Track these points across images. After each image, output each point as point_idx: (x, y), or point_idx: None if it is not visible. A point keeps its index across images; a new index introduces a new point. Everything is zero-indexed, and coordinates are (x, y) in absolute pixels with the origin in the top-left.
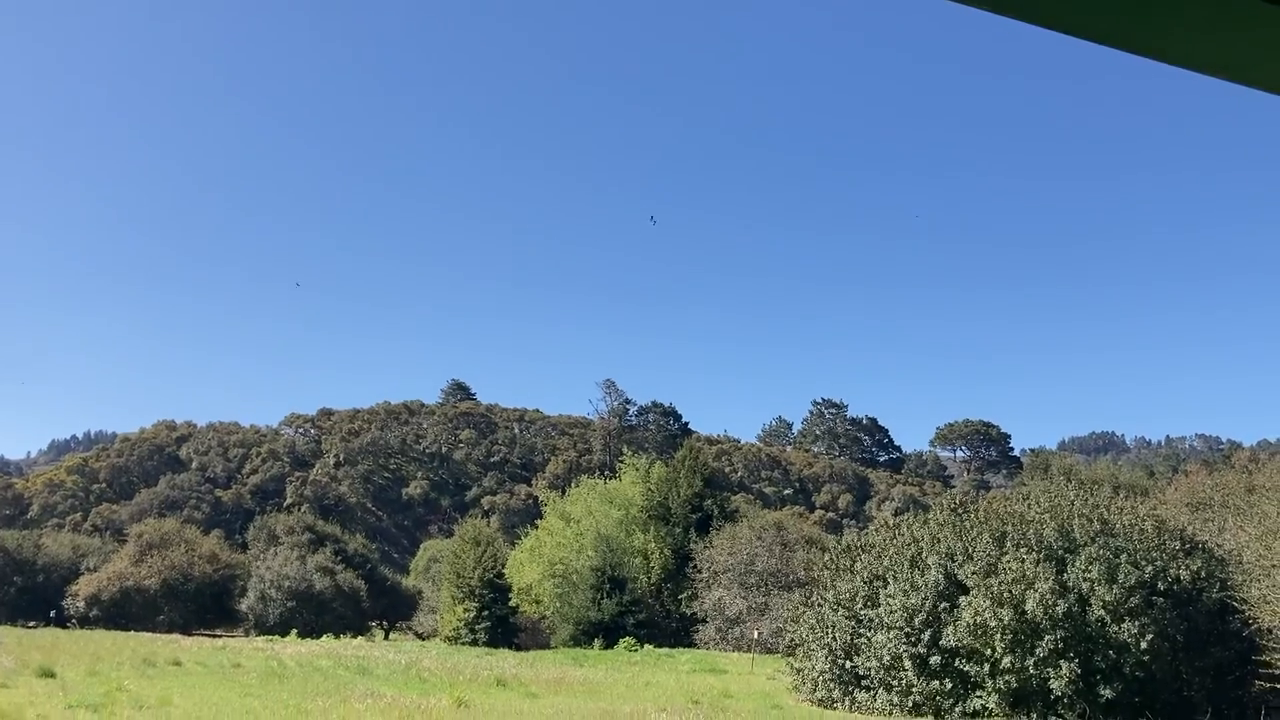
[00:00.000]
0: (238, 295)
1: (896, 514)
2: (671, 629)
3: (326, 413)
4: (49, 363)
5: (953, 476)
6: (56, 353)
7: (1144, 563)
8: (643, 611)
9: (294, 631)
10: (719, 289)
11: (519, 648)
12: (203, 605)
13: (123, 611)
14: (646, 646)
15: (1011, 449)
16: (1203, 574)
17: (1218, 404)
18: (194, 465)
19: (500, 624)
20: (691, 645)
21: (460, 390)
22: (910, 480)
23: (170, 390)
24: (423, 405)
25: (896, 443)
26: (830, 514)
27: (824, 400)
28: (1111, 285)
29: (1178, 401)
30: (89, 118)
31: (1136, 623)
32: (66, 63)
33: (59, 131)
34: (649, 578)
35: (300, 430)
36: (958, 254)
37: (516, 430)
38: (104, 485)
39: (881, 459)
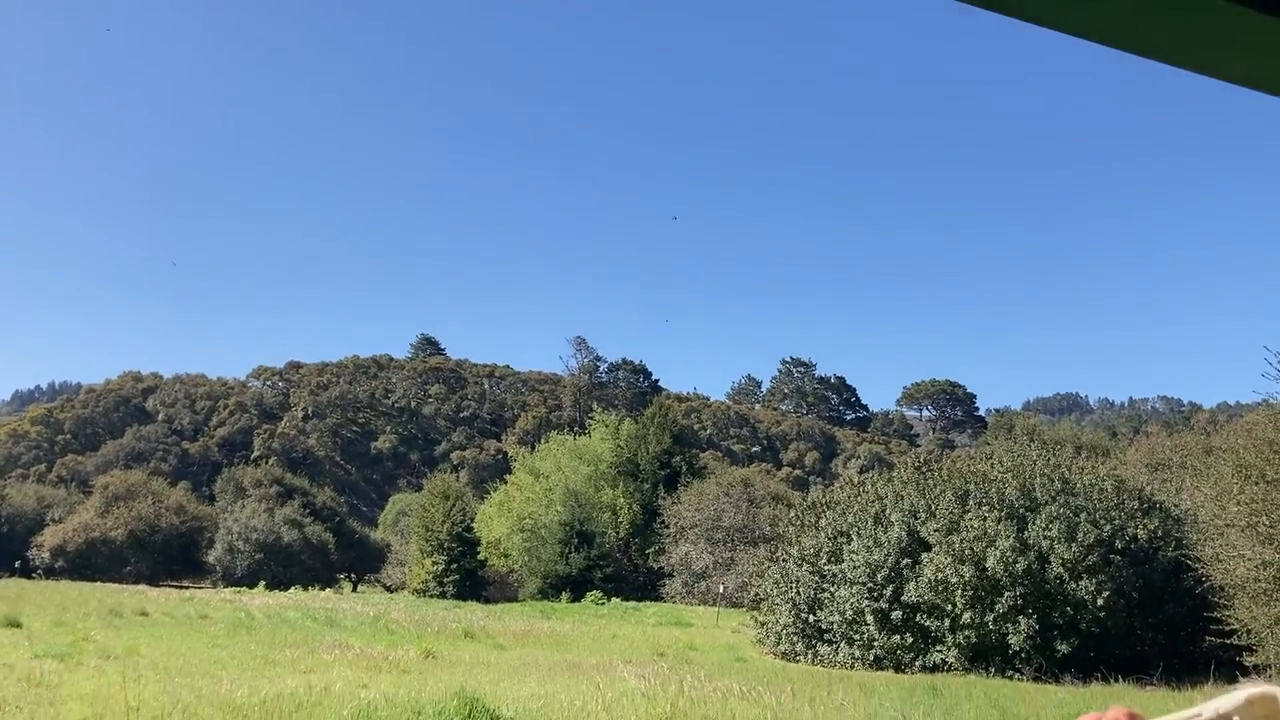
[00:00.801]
0: (204, 245)
1: (862, 472)
2: (639, 583)
3: (295, 365)
4: (11, 312)
5: (918, 435)
6: (18, 302)
7: (1103, 521)
8: (610, 566)
9: (262, 583)
10: (689, 248)
11: (487, 601)
12: (170, 557)
13: (89, 563)
14: (614, 600)
15: (977, 409)
16: (1159, 533)
17: (1180, 367)
18: (161, 417)
19: (468, 577)
20: (658, 599)
21: (429, 345)
22: (876, 439)
23: (135, 341)
24: (391, 359)
25: (864, 402)
26: (797, 471)
27: (793, 359)
28: (1077, 250)
29: (1141, 364)
30: (47, 56)
31: (1094, 580)
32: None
33: (11, 71)
34: (617, 533)
35: (268, 383)
36: (928, 216)
37: (486, 386)
38: (69, 436)
39: (848, 417)
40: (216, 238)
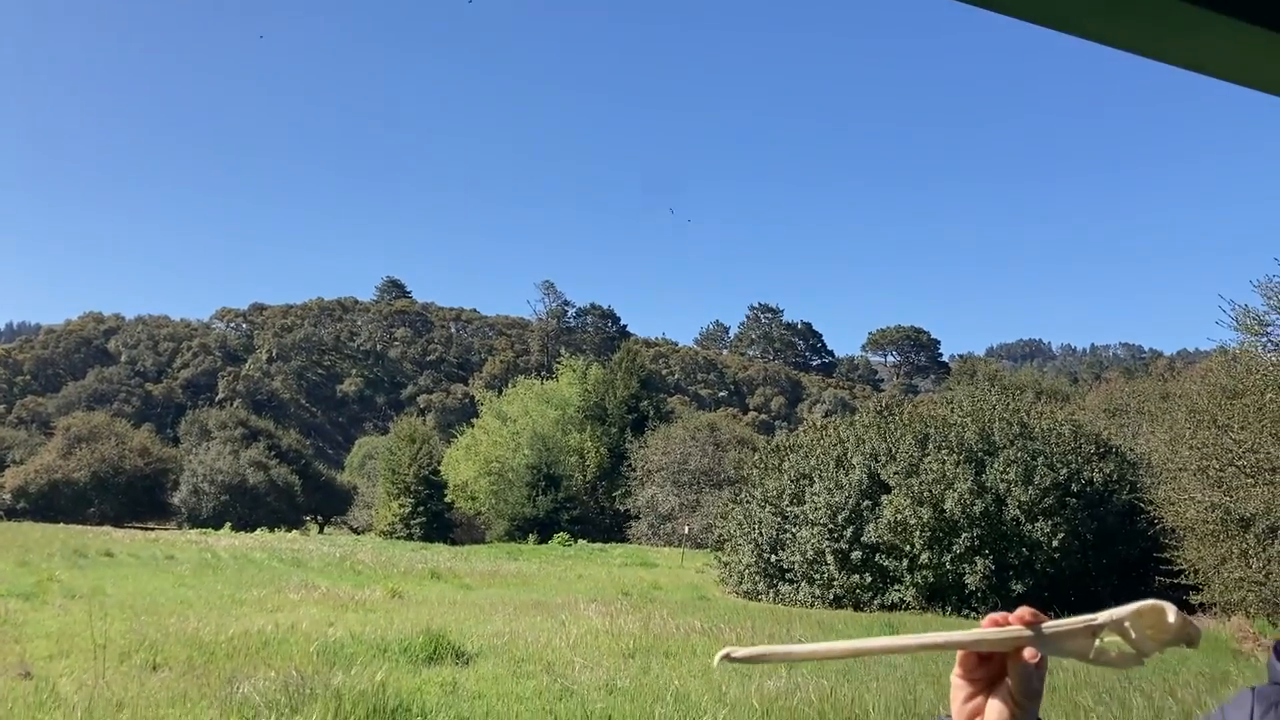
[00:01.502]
0: (164, 182)
1: (827, 416)
2: (605, 525)
3: (259, 307)
4: None
5: (883, 381)
6: None
7: (1059, 465)
8: (577, 508)
9: (228, 525)
10: (659, 193)
11: (454, 543)
12: (134, 498)
13: (51, 504)
14: (580, 541)
15: (940, 355)
16: (1114, 476)
17: (1142, 314)
18: (123, 359)
19: (435, 520)
20: (625, 540)
21: (395, 288)
22: (841, 384)
23: (95, 281)
24: (357, 302)
25: (829, 347)
26: (763, 416)
27: (760, 305)
28: (1043, 198)
29: (1104, 311)
30: None
31: (1049, 522)
32: None
33: None
34: (584, 475)
35: (232, 325)
36: (895, 165)
37: (453, 330)
38: (29, 377)
39: (814, 363)
40: (176, 176)
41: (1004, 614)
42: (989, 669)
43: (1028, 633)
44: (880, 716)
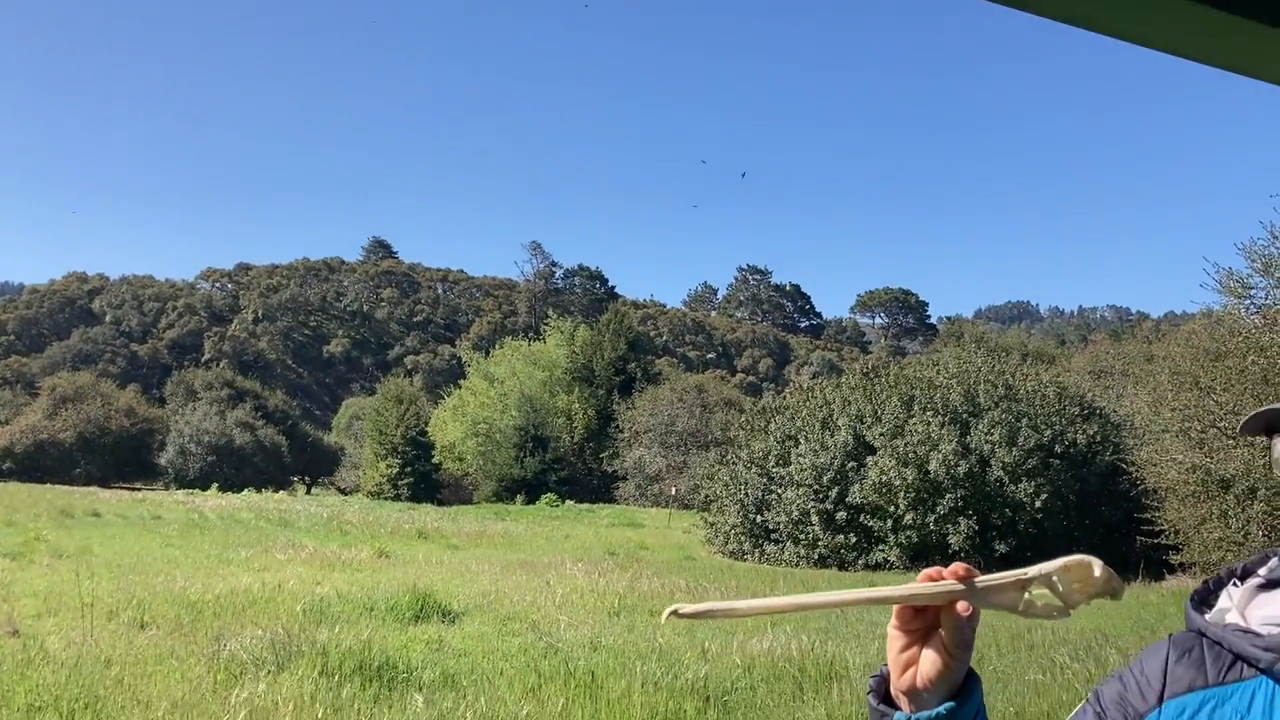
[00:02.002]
0: (148, 143)
1: (814, 378)
2: (593, 486)
3: (244, 267)
4: None
5: (871, 342)
6: None
7: (1043, 426)
8: (565, 469)
9: (215, 485)
10: (648, 154)
11: (442, 503)
12: (121, 459)
13: (37, 464)
14: (568, 502)
15: (928, 316)
16: (1098, 438)
17: (1130, 277)
18: (108, 319)
19: (423, 480)
20: (612, 501)
21: (382, 248)
22: (829, 345)
23: (78, 240)
24: (343, 262)
25: (818, 309)
26: (751, 378)
27: (749, 266)
28: (1033, 159)
29: (1092, 273)
30: None
31: (1033, 483)
32: None
33: None
34: (572, 437)
35: (217, 285)
36: (886, 125)
37: (440, 290)
38: (13, 337)
39: (803, 325)
40: (161, 135)
41: (938, 569)
42: (924, 621)
43: (960, 587)
44: (860, 672)
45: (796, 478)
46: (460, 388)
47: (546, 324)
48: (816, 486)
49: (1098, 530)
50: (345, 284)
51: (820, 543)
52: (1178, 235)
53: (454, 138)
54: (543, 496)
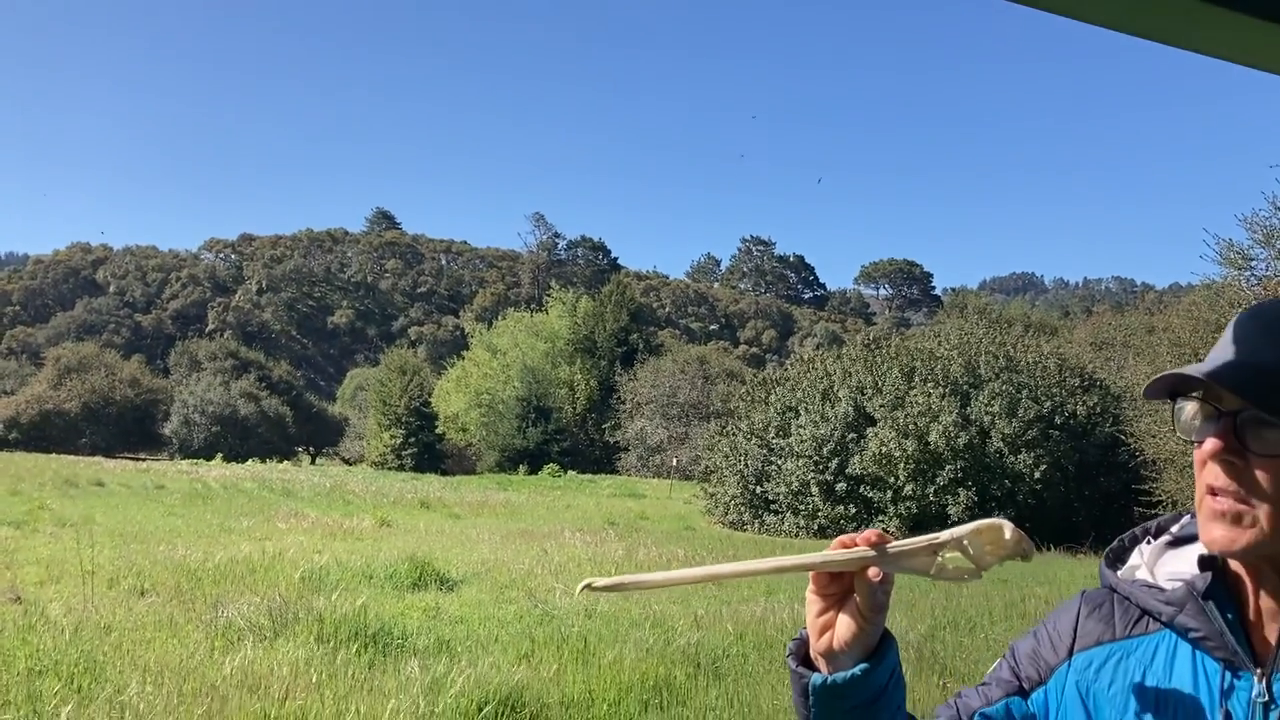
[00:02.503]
0: (151, 113)
1: (818, 349)
2: (595, 456)
3: (248, 238)
4: None
5: (875, 314)
6: None
7: (1044, 398)
8: (567, 440)
9: (219, 456)
10: (651, 124)
11: (445, 473)
12: (125, 429)
13: (43, 434)
14: (570, 473)
15: (933, 288)
16: (1098, 409)
17: (1135, 248)
18: (112, 289)
19: (427, 450)
20: (614, 472)
21: (385, 219)
22: (833, 317)
23: (81, 211)
24: (347, 233)
25: (821, 280)
26: (754, 349)
27: (752, 237)
28: (1038, 130)
29: (1097, 245)
30: None
31: (1033, 454)
32: None
33: None
34: (574, 408)
35: (221, 255)
36: (893, 96)
37: (444, 261)
38: (17, 308)
39: (806, 296)
40: (164, 105)
41: (851, 536)
42: (839, 586)
43: (872, 553)
44: None
45: (797, 449)
46: (463, 359)
47: (549, 295)
48: (816, 458)
49: (1096, 501)
50: (349, 255)
51: (820, 513)
52: (1182, 205)
53: (456, 109)
54: (545, 467)
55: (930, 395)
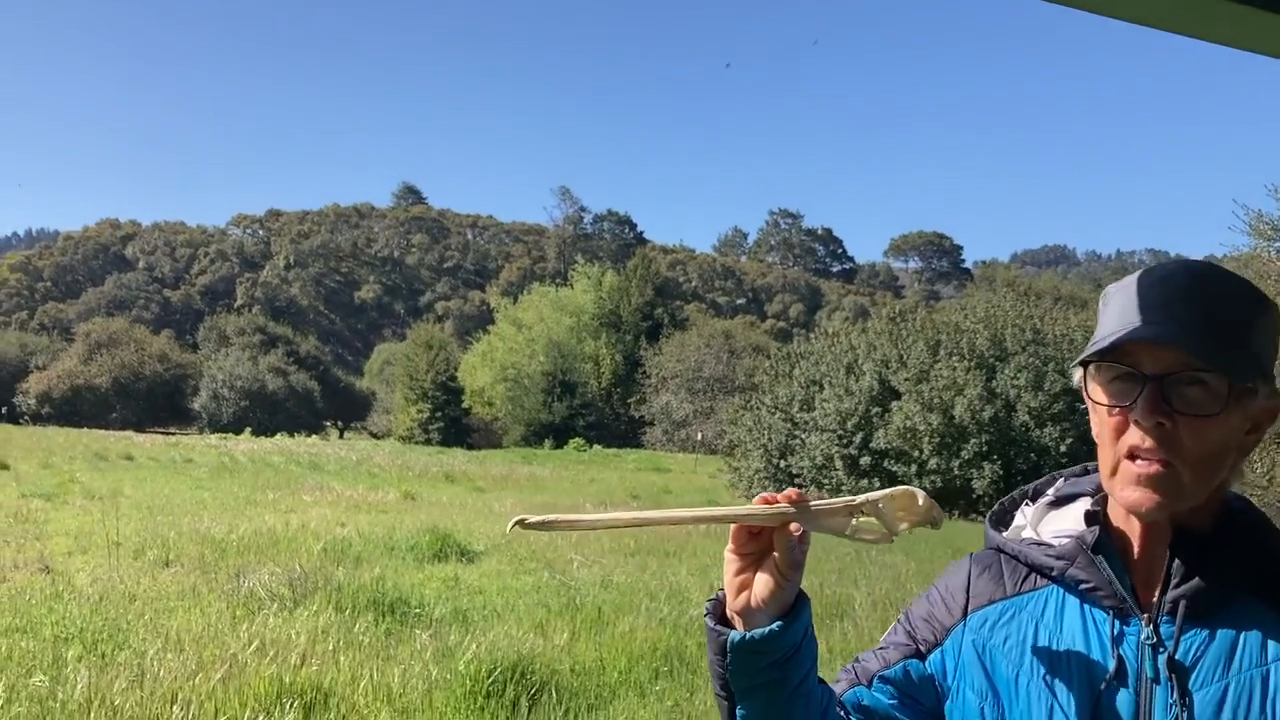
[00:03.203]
0: (177, 89)
1: (845, 322)
2: (620, 431)
3: (275, 214)
4: None
5: (904, 287)
6: None
7: (1071, 371)
8: (592, 414)
9: (248, 430)
10: (678, 97)
11: (471, 447)
12: (155, 404)
13: (75, 409)
14: (595, 447)
15: (963, 260)
16: None
17: (1168, 219)
18: (141, 265)
19: (453, 424)
20: (639, 446)
21: (411, 194)
22: (862, 290)
23: (110, 187)
24: (373, 208)
25: (850, 254)
26: (781, 323)
27: (780, 210)
28: (1071, 100)
29: (1130, 217)
30: None
31: (1058, 427)
32: None
33: None
34: (599, 382)
35: (248, 231)
36: (922, 66)
37: (470, 236)
38: (49, 284)
39: (835, 269)
40: (190, 82)
41: (773, 494)
42: (758, 545)
43: (793, 510)
44: (866, 610)
45: (820, 423)
46: (489, 333)
47: (574, 270)
48: (840, 432)
49: None
50: (376, 230)
51: (844, 487)
52: (1217, 175)
53: (482, 83)
54: (570, 441)
55: (955, 368)
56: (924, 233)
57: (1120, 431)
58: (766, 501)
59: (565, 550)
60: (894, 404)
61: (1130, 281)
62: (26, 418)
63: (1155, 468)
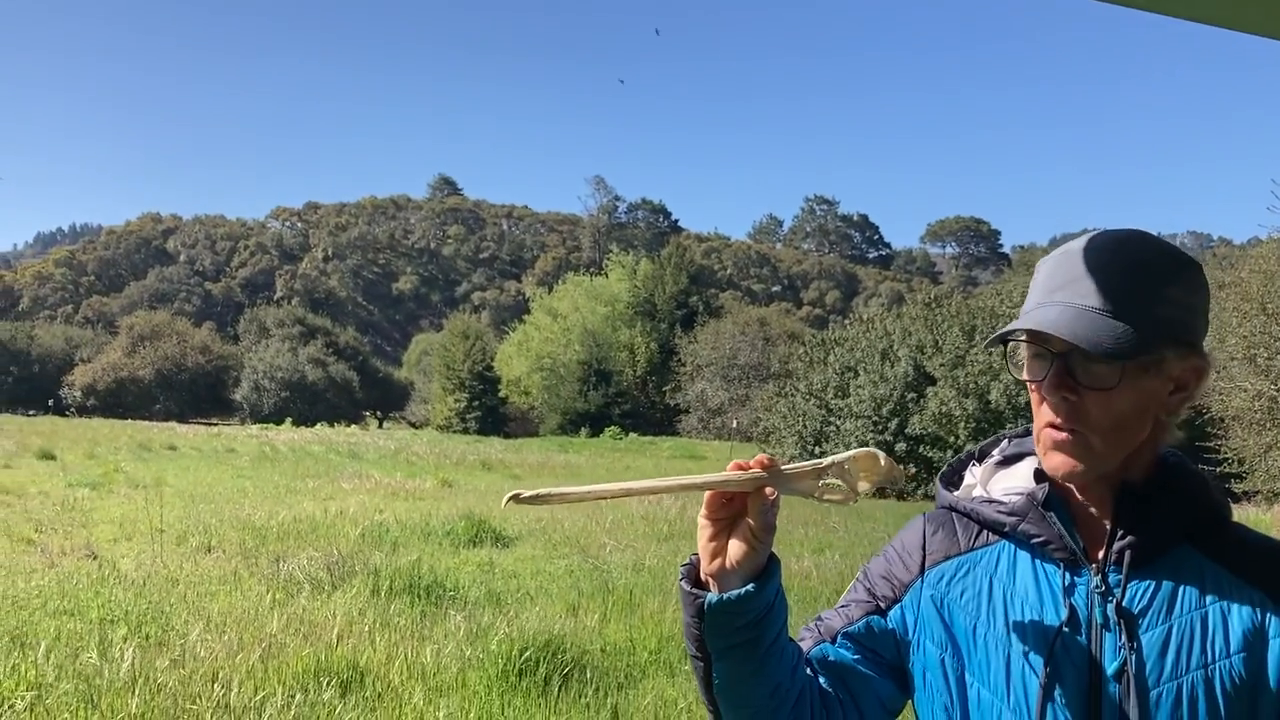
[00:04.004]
0: (218, 84)
1: (883, 310)
2: (656, 419)
3: (313, 206)
4: (30, 152)
5: (941, 273)
6: (36, 142)
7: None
8: (628, 402)
9: (288, 420)
10: (712, 85)
11: (509, 436)
12: (197, 395)
13: (119, 401)
14: (631, 435)
15: (1001, 245)
16: None
17: (1213, 200)
18: (182, 258)
19: (490, 414)
20: (675, 434)
21: (447, 185)
22: (899, 277)
23: (150, 181)
24: (410, 200)
25: (886, 240)
26: (817, 310)
27: (815, 197)
28: (1110, 81)
29: (1172, 199)
30: None
31: None
32: None
33: None
34: (634, 371)
35: (287, 223)
36: (955, 50)
37: (505, 226)
38: (93, 278)
39: (871, 256)
40: (229, 77)
41: (744, 461)
42: (730, 510)
43: (765, 475)
44: None
45: (855, 409)
46: (525, 323)
47: (609, 259)
48: (875, 418)
49: None
50: (412, 221)
51: None
52: (1257, 156)
53: (516, 74)
54: (606, 429)
55: (991, 354)
56: (961, 218)
57: (1040, 403)
58: (740, 468)
59: (598, 535)
60: (929, 389)
61: (1054, 254)
62: (73, 410)
63: (1065, 436)
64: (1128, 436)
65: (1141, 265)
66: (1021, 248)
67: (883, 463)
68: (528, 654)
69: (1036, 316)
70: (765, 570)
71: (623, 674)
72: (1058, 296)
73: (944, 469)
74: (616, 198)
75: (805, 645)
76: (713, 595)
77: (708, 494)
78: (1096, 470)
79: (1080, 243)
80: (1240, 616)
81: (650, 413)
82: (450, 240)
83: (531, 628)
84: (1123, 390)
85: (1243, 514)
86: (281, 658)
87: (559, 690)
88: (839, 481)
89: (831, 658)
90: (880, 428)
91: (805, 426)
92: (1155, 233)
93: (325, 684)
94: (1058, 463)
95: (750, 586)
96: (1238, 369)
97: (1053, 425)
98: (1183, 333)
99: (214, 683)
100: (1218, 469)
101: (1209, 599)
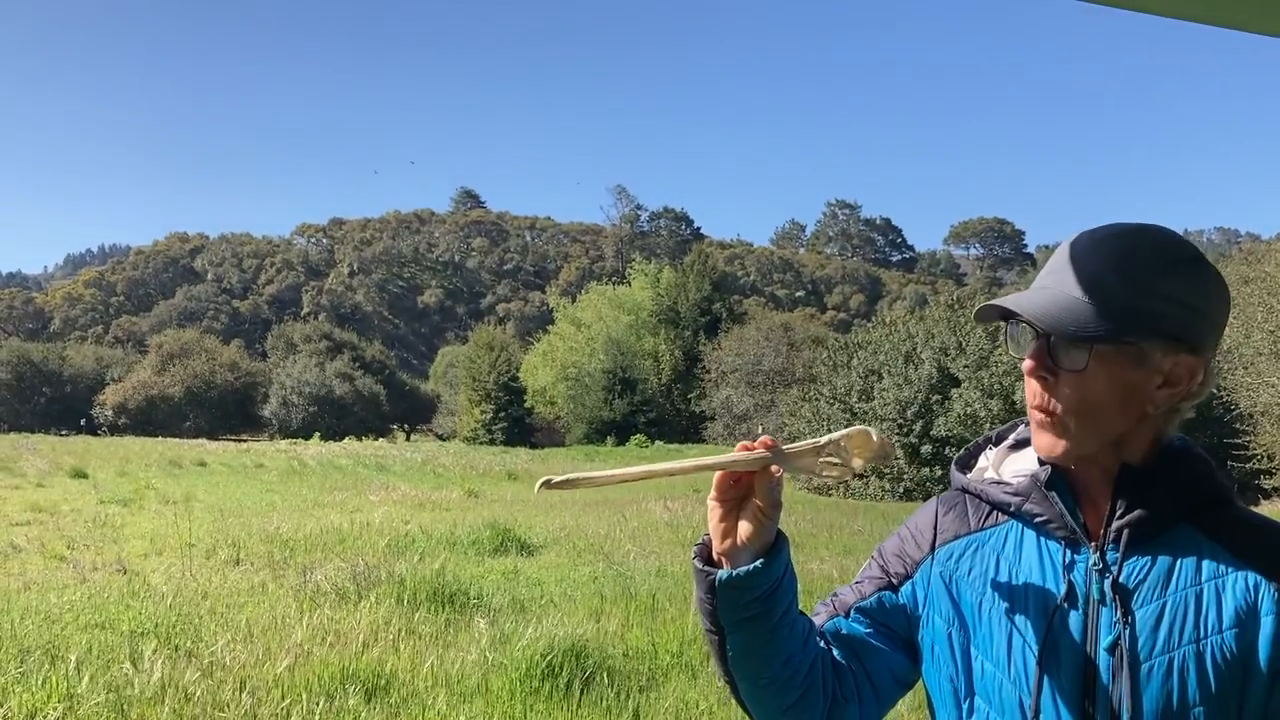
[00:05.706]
0: (236, 103)
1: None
2: (681, 426)
3: (338, 222)
4: (59, 174)
5: (965, 275)
6: (66, 164)
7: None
8: (653, 410)
9: (317, 435)
10: (732, 92)
11: (535, 446)
12: (227, 411)
13: (150, 419)
14: (657, 443)
15: (1025, 246)
16: None
17: (1242, 195)
18: (209, 276)
19: (516, 424)
20: (700, 441)
21: (470, 198)
22: (923, 279)
23: (176, 201)
24: (433, 214)
25: (910, 242)
26: (841, 314)
27: (837, 201)
28: (1133, 74)
29: (1199, 194)
30: None
31: None
32: None
33: None
34: (659, 379)
35: (312, 240)
36: (978, 48)
37: (528, 238)
38: (122, 298)
39: (894, 259)
40: (250, 97)
41: (749, 442)
42: (737, 491)
43: (770, 455)
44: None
45: (880, 412)
46: (549, 333)
47: (631, 267)
48: (900, 420)
49: None
50: (436, 235)
51: (905, 476)
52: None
53: (536, 85)
54: (632, 438)
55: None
56: (984, 219)
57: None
58: (746, 449)
59: (622, 541)
60: (954, 391)
61: (1062, 244)
62: (104, 428)
63: (1043, 416)
64: (1102, 422)
65: (1130, 256)
66: (1046, 248)
67: (875, 439)
68: (550, 658)
69: (1016, 297)
70: (774, 546)
71: (645, 677)
72: (1047, 280)
73: (960, 453)
74: (638, 207)
75: (820, 619)
76: (724, 571)
77: (716, 476)
78: (1076, 452)
79: (1088, 233)
80: (1234, 593)
81: (676, 420)
82: (474, 253)
83: (554, 633)
84: (1094, 374)
85: (1272, 510)
86: (308, 666)
87: (581, 694)
88: (835, 459)
89: (844, 631)
90: (905, 430)
91: (830, 431)
92: (1182, 230)
93: (351, 691)
94: (1040, 443)
95: (759, 562)
96: (1265, 364)
97: (1034, 406)
98: (1173, 329)
99: (242, 691)
100: (1247, 465)
101: (1205, 576)
